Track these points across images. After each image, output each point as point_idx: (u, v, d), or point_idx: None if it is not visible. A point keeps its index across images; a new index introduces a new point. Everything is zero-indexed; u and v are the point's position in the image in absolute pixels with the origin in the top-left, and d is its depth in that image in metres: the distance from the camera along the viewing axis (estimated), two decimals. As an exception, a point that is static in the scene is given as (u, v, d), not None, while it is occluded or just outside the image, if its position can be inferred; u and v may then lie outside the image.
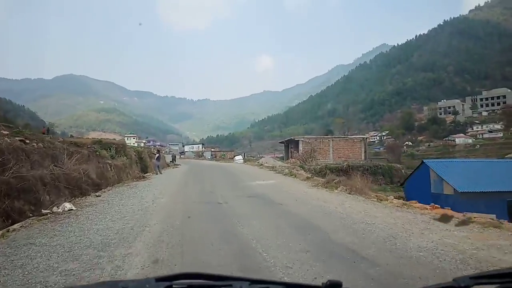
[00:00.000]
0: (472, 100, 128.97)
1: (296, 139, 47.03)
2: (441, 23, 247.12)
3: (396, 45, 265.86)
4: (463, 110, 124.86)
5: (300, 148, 45.35)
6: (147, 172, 28.27)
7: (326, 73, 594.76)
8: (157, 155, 30.51)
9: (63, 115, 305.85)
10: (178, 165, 44.31)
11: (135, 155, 29.66)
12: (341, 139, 48.96)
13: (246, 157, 76.07)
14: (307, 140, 46.72)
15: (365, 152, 48.71)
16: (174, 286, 0.88)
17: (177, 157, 59.19)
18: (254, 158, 73.88)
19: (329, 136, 50.60)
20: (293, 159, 43.00)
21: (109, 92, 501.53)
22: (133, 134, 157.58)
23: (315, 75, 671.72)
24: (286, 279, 4.36)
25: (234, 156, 61.31)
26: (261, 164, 39.08)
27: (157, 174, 26.87)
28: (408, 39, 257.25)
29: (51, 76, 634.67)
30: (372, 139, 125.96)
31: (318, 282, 1.02)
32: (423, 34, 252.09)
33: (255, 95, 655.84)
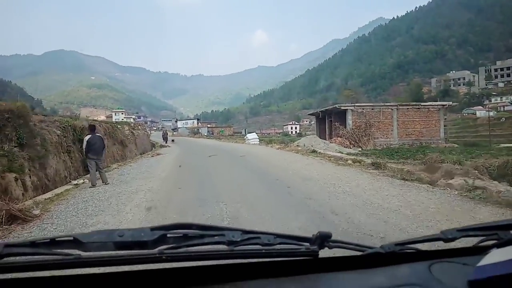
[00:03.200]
0: (486, 71, 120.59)
1: (342, 107, 33.46)
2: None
3: (396, 17, 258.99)
4: (478, 81, 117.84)
5: (349, 121, 32.21)
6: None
7: (321, 47, 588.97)
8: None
9: (53, 91, 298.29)
10: (165, 146, 34.00)
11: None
12: (410, 107, 34.70)
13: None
14: (360, 110, 33.14)
15: (445, 127, 35.04)
16: (168, 235, 0.92)
17: (169, 134, 46.98)
18: (265, 134, 64.79)
19: (392, 104, 35.99)
20: (339, 138, 30.62)
21: (100, 68, 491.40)
22: (121, 109, 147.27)
23: (310, 50, 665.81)
24: None
25: (246, 135, 44.11)
26: (301, 148, 23.35)
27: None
28: (408, 11, 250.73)
29: (41, 52, 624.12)
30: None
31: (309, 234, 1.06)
32: (423, 5, 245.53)
33: (249, 70, 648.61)
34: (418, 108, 34.86)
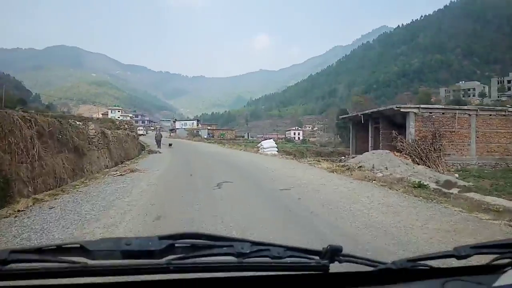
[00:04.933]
0: (498, 82, 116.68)
1: (402, 110, 25.17)
2: (447, 4, 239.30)
3: (401, 25, 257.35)
4: (490, 92, 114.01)
5: (411, 129, 24.32)
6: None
7: (324, 53, 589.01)
8: None
9: (53, 86, 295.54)
10: (155, 152, 26.83)
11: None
12: (494, 114, 25.99)
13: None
14: (426, 114, 24.98)
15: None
16: (176, 244, 0.91)
17: (163, 136, 38.22)
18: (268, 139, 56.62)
19: (470, 108, 27.89)
20: (396, 153, 21.76)
21: (101, 65, 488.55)
22: (118, 106, 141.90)
23: (312, 56, 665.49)
24: None
25: (261, 142, 34.19)
26: (369, 171, 14.34)
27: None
28: (413, 19, 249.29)
29: (43, 47, 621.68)
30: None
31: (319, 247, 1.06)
32: (429, 14, 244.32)
33: (251, 74, 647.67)
34: (504, 115, 25.91)
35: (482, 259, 1.09)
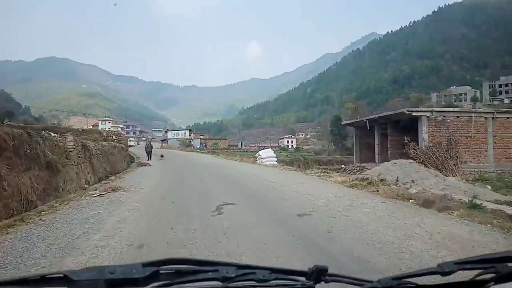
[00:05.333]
0: (489, 86, 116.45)
1: (414, 114, 23.45)
2: (436, 10, 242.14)
3: (390, 31, 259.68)
4: (482, 97, 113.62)
5: (424, 134, 22.58)
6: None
7: (314, 61, 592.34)
8: None
9: (43, 98, 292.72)
10: (145, 164, 24.81)
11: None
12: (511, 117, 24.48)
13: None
14: (440, 118, 23.17)
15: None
16: (161, 271, 0.90)
17: (154, 147, 36.00)
18: (261, 148, 52.36)
19: (487, 111, 26.13)
20: (411, 160, 19.49)
21: (92, 76, 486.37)
22: (109, 117, 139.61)
23: (303, 63, 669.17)
24: None
25: (258, 152, 31.22)
26: (393, 185, 11.72)
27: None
28: (403, 26, 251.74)
29: (33, 58, 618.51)
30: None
31: (304, 268, 1.04)
32: (418, 21, 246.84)
33: (242, 83, 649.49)
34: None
35: (466, 275, 1.10)
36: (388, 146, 26.02)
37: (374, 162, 26.66)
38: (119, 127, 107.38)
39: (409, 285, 1.06)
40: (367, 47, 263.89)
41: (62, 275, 0.80)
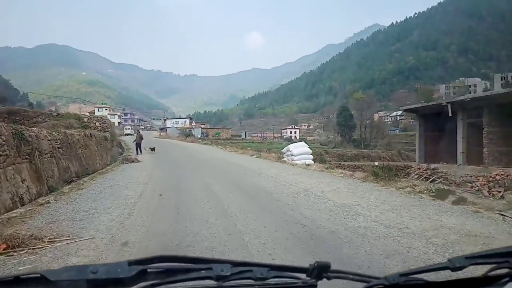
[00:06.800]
0: (502, 78, 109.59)
1: None
2: (441, 1, 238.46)
3: (394, 22, 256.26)
4: (494, 88, 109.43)
5: None
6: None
7: (316, 52, 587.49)
8: None
9: (42, 85, 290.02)
10: (133, 161, 20.74)
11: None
12: None
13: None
14: None
15: None
16: (148, 270, 0.84)
17: (149, 137, 31.99)
18: (264, 138, 47.81)
19: None
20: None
21: (92, 64, 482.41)
22: (105, 104, 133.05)
23: (305, 54, 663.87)
24: None
25: (288, 145, 22.58)
26: None
27: None
28: (407, 17, 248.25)
29: (33, 45, 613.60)
30: (384, 119, 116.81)
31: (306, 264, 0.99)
32: (423, 12, 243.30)
33: (243, 72, 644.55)
34: None
35: (478, 270, 1.05)
36: (484, 141, 19.29)
37: (454, 163, 21.20)
38: (116, 114, 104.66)
39: (418, 281, 1.01)
40: (370, 37, 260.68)
41: (38, 275, 0.77)
